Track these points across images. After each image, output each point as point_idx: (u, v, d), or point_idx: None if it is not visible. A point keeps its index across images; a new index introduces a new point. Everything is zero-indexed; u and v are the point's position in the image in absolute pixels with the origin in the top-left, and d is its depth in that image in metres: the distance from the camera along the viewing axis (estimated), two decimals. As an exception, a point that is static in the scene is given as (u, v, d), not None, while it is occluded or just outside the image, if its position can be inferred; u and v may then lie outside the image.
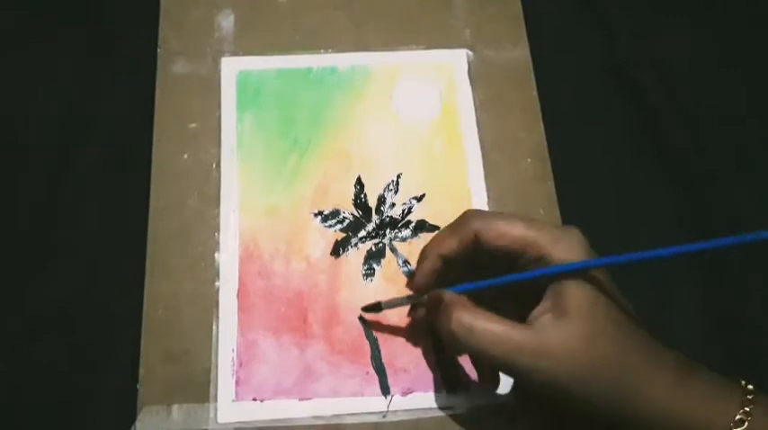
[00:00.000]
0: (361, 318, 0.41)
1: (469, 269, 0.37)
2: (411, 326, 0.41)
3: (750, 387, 0.34)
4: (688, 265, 0.44)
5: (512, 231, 0.35)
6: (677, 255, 0.33)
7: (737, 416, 0.32)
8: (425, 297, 0.38)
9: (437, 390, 0.39)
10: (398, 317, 0.41)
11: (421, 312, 0.40)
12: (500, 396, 0.39)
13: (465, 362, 0.40)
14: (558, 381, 0.33)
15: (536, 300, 0.34)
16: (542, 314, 0.33)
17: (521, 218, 0.35)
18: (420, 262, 0.38)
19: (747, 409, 0.32)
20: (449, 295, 0.36)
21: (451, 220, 0.37)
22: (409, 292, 0.39)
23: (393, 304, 0.39)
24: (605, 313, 0.33)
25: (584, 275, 0.33)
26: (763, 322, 0.43)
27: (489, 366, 0.39)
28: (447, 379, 0.40)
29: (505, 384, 0.39)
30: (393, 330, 0.41)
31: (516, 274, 0.35)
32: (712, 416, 0.32)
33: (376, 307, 0.39)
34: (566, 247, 0.34)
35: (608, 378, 0.32)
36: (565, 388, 0.33)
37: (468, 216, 0.36)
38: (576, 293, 0.33)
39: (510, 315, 0.34)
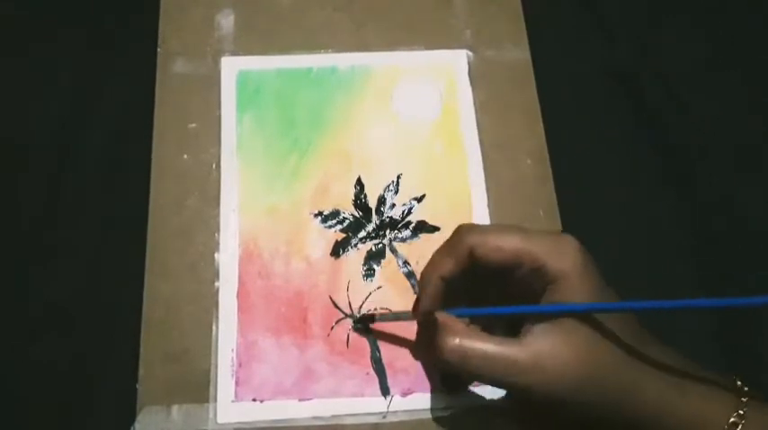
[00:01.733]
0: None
1: (469, 279, 0.36)
2: (411, 327, 0.41)
3: (745, 388, 0.34)
4: (688, 266, 0.44)
5: (506, 245, 0.34)
6: (686, 308, 0.33)
7: (731, 419, 0.32)
8: (419, 315, 0.38)
9: (437, 391, 0.39)
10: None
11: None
12: (500, 396, 0.39)
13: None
14: (553, 394, 0.33)
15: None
16: (535, 326, 0.33)
17: (514, 229, 0.35)
18: (422, 287, 0.37)
19: (741, 412, 0.32)
20: (441, 317, 0.36)
21: (451, 221, 0.37)
22: (407, 310, 0.39)
23: (388, 318, 0.40)
24: (600, 321, 0.33)
25: (578, 286, 0.33)
26: (764, 322, 0.43)
27: (483, 384, 0.39)
28: (447, 379, 0.40)
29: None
30: (393, 331, 0.41)
31: (514, 307, 0.35)
32: (705, 419, 0.32)
33: (369, 319, 0.40)
34: (561, 256, 0.34)
35: (603, 385, 0.32)
36: (561, 398, 0.33)
37: (462, 233, 0.36)
38: (570, 300, 0.33)
39: (501, 321, 0.34)
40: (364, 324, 0.40)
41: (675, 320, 0.43)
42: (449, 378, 0.40)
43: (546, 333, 0.33)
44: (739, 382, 0.34)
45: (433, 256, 0.37)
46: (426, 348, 0.39)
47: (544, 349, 0.33)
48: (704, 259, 0.44)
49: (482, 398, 0.39)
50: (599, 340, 0.33)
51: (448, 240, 0.37)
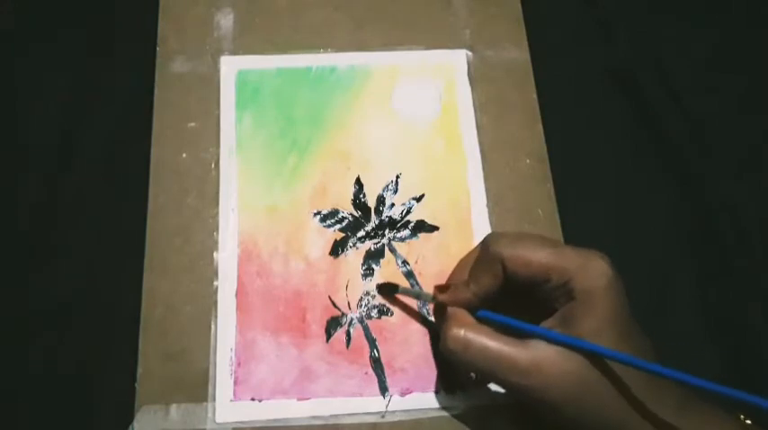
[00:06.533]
0: (360, 318, 0.41)
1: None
2: (410, 326, 0.41)
3: (748, 422, 0.33)
4: (688, 266, 0.44)
5: (537, 259, 0.34)
6: (705, 388, 0.31)
7: None
8: (441, 301, 0.38)
9: (435, 391, 0.39)
10: (398, 317, 0.41)
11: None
12: (499, 396, 0.39)
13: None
14: (550, 399, 0.33)
15: (547, 315, 0.34)
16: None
17: (546, 242, 0.35)
18: (455, 292, 0.37)
19: None
20: (451, 309, 0.36)
21: (450, 221, 0.37)
22: (425, 290, 0.40)
23: (408, 293, 0.40)
24: (609, 341, 0.32)
25: (599, 296, 0.33)
26: (762, 325, 0.42)
27: (482, 378, 0.39)
28: (445, 379, 0.40)
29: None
30: (392, 330, 0.41)
31: (542, 330, 0.34)
32: None
33: (393, 288, 0.40)
34: (589, 275, 0.33)
35: (601, 403, 0.32)
36: (556, 406, 0.33)
37: (494, 245, 0.35)
38: (587, 318, 0.33)
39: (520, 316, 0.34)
40: (386, 291, 0.41)
41: (670, 321, 0.43)
42: (448, 376, 0.40)
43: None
44: (742, 416, 0.34)
45: (473, 271, 0.37)
46: (425, 333, 0.40)
47: (547, 355, 0.33)
48: (704, 259, 0.44)
49: (481, 398, 0.39)
50: (602, 362, 0.32)
51: (481, 255, 0.36)
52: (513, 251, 0.35)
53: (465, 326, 0.35)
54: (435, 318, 0.41)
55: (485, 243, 0.36)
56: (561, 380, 0.32)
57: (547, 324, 0.34)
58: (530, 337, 0.34)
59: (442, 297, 0.38)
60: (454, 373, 0.40)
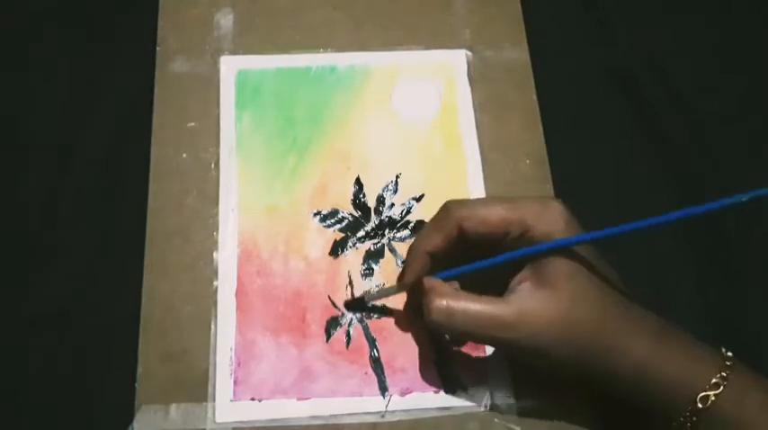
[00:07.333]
0: (360, 318, 0.41)
1: (457, 254, 0.37)
2: (410, 326, 0.41)
3: (729, 354, 0.34)
4: (687, 266, 0.44)
5: (494, 216, 0.35)
6: (662, 224, 0.34)
7: (714, 380, 0.33)
8: (407, 285, 0.38)
9: (435, 391, 0.39)
10: (397, 317, 0.41)
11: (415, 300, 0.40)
12: (499, 396, 0.39)
13: (463, 362, 0.40)
14: (537, 347, 0.34)
15: (516, 271, 0.35)
16: (521, 282, 0.34)
17: (500, 199, 0.37)
18: (409, 261, 0.38)
19: (724, 374, 0.33)
20: (427, 282, 0.36)
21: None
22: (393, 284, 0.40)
23: (376, 296, 0.40)
24: (584, 280, 0.34)
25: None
26: (763, 325, 0.42)
27: (472, 342, 0.40)
28: (445, 379, 0.40)
29: (504, 385, 0.39)
30: (391, 330, 0.41)
31: (499, 256, 0.35)
32: (688, 377, 0.33)
33: (359, 301, 0.40)
34: (548, 221, 0.35)
35: (586, 340, 0.33)
36: (544, 352, 0.34)
37: (450, 209, 0.36)
38: (555, 263, 0.34)
39: (491, 287, 0.35)
40: (354, 307, 0.41)
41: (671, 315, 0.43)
42: (448, 376, 0.40)
43: (530, 292, 0.34)
44: (724, 349, 0.34)
45: (422, 233, 0.38)
46: (414, 319, 0.40)
47: (528, 306, 0.34)
48: (704, 259, 0.44)
49: (480, 397, 0.39)
50: (582, 299, 0.34)
51: (435, 216, 0.37)
52: (469, 211, 0.36)
53: (445, 296, 0.35)
54: (413, 308, 0.40)
55: (443, 207, 0.37)
56: (547, 325, 0.33)
57: (517, 278, 0.35)
58: (507, 293, 0.34)
59: (403, 280, 0.38)
60: (454, 372, 0.40)
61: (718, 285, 0.44)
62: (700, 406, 0.32)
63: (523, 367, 0.39)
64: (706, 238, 0.45)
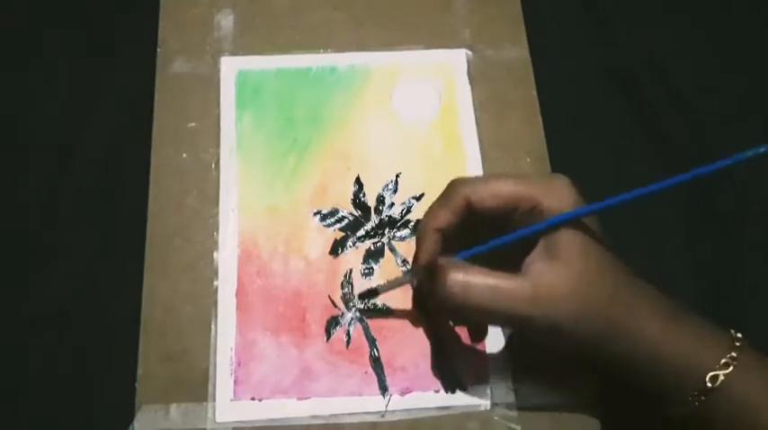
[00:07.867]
0: (360, 317, 0.41)
1: (465, 234, 0.37)
2: (410, 325, 0.41)
3: (739, 335, 0.34)
4: (687, 266, 0.44)
5: (502, 190, 0.35)
6: (665, 188, 0.34)
7: (723, 360, 0.33)
8: (420, 269, 0.37)
9: (435, 390, 0.39)
10: (397, 316, 0.41)
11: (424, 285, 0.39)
12: (499, 395, 0.39)
13: (463, 361, 0.40)
14: (552, 323, 0.33)
15: (529, 250, 0.35)
16: (535, 261, 0.34)
17: (507, 175, 0.36)
18: (420, 241, 0.37)
19: (734, 355, 0.33)
20: (441, 260, 0.36)
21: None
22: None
23: (390, 286, 0.39)
24: (596, 257, 0.34)
25: (575, 222, 0.34)
26: (764, 325, 0.42)
27: (485, 322, 0.39)
28: (445, 378, 0.40)
29: (505, 386, 0.39)
30: (392, 330, 0.41)
31: (514, 233, 0.35)
32: (698, 357, 0.33)
33: (372, 292, 0.40)
34: (557, 196, 0.35)
35: (599, 317, 0.33)
36: (558, 329, 0.33)
37: (456, 184, 0.36)
38: (568, 238, 0.34)
39: (503, 268, 0.35)
40: (367, 297, 0.40)
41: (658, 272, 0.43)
42: (448, 376, 0.40)
43: (544, 269, 0.34)
44: (733, 330, 0.35)
45: (429, 209, 0.37)
46: (416, 317, 0.40)
47: (544, 281, 0.33)
48: (704, 259, 0.44)
49: (481, 397, 0.39)
50: (597, 274, 0.34)
51: (443, 193, 0.37)
52: (477, 187, 0.36)
53: (462, 269, 0.35)
54: (429, 285, 0.38)
55: (450, 184, 0.37)
56: (564, 302, 0.33)
57: (531, 256, 0.34)
58: (523, 270, 0.34)
59: (417, 262, 0.37)
60: (454, 372, 0.40)
61: (718, 286, 0.43)
62: (709, 385, 0.33)
63: (525, 368, 0.38)
64: (706, 238, 0.45)
